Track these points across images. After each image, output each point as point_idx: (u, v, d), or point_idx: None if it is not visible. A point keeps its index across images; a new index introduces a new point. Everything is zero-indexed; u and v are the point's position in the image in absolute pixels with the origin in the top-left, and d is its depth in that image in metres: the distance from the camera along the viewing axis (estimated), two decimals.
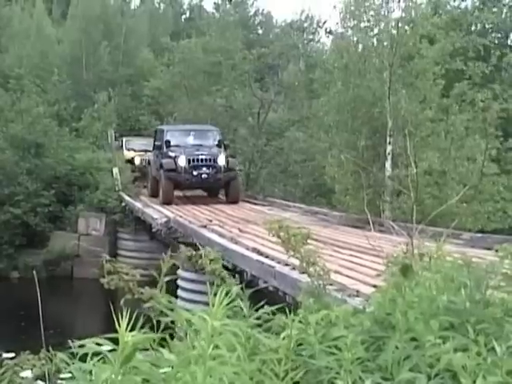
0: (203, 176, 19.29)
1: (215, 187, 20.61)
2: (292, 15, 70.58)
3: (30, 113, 24.88)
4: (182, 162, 19.27)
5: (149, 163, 22.55)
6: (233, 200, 19.92)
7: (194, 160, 19.36)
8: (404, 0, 16.70)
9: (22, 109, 25.07)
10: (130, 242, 22.90)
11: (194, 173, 19.24)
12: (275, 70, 32.46)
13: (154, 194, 21.08)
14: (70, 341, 2.66)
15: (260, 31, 50.97)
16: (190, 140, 21.16)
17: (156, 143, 21.55)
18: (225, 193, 20.45)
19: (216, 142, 21.05)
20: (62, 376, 2.68)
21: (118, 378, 1.96)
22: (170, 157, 19.75)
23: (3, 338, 13.07)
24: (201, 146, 20.56)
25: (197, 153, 19.70)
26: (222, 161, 19.47)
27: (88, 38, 36.58)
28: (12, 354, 3.60)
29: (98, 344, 2.07)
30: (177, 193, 20.82)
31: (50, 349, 3.25)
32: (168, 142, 20.42)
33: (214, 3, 51.44)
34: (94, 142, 28.41)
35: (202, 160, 19.40)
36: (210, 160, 19.48)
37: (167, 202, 19.25)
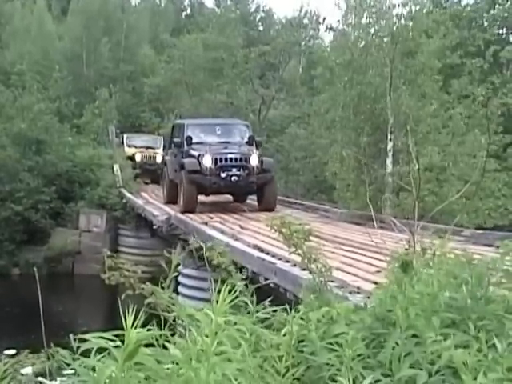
0: (233, 178, 16.19)
1: (247, 192, 17.48)
2: (293, 11, 70.67)
3: (31, 109, 24.89)
4: (207, 161, 16.23)
5: (164, 164, 19.57)
6: (268, 207, 16.48)
7: (221, 159, 16.31)
8: None
9: (23, 105, 25.07)
10: (131, 238, 22.91)
11: (222, 175, 16.15)
12: (276, 66, 32.48)
13: (171, 200, 18.03)
14: (71, 336, 2.66)
15: (261, 28, 50.97)
16: (216, 136, 18.09)
17: (174, 140, 18.26)
18: (257, 198, 17.15)
19: (246, 139, 18.00)
20: (65, 372, 2.68)
21: (121, 374, 1.96)
22: (192, 156, 16.76)
23: (4, 335, 13.10)
24: (228, 143, 17.61)
25: (225, 151, 16.71)
26: (254, 160, 16.38)
27: (89, 35, 36.65)
28: (13, 351, 3.60)
29: (102, 337, 2.07)
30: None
31: (52, 345, 3.25)
32: (189, 138, 17.35)
33: (215, 0, 51.48)
34: (95, 139, 28.43)
35: (231, 159, 16.36)
36: (240, 159, 16.41)
37: (189, 209, 16.08)
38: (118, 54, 38.01)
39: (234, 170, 16.25)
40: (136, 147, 27.89)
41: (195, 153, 16.76)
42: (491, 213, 16.02)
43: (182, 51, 30.39)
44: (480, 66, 17.66)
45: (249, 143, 17.68)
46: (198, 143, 17.31)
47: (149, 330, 2.19)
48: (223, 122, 20.09)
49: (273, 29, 45.35)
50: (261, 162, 16.52)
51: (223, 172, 16.20)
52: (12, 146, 23.94)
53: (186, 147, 17.27)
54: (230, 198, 18.25)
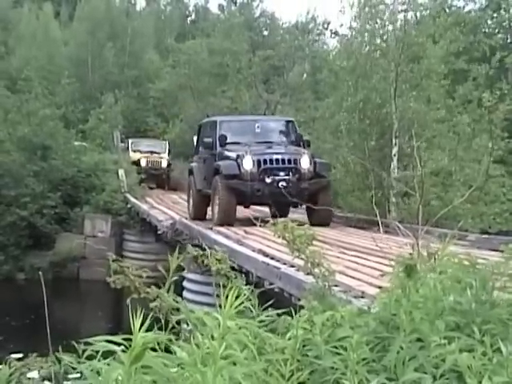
0: (281, 184, 13.29)
1: (295, 201, 13.02)
2: (297, 16, 70.63)
3: (36, 115, 24.95)
4: (247, 164, 13.48)
5: (190, 173, 16.25)
6: (322, 221, 13.25)
7: (265, 161, 13.55)
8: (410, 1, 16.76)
9: (28, 111, 25.14)
10: (136, 243, 22.93)
11: (267, 180, 13.39)
12: (280, 71, 32.53)
13: (198, 216, 15.24)
14: (75, 343, 2.68)
15: (265, 33, 51.03)
16: (255, 135, 15.11)
17: (204, 140, 15.31)
18: (307, 210, 13.99)
19: (292, 138, 15.17)
20: (70, 376, 2.70)
21: (128, 377, 1.97)
22: (229, 158, 14.04)
23: (10, 339, 13.11)
24: (271, 142, 14.86)
25: (269, 151, 14.00)
26: (306, 162, 13.62)
27: (94, 40, 36.77)
28: (20, 355, 3.61)
29: (108, 341, 2.09)
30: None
31: (60, 349, 3.26)
32: (223, 137, 14.57)
33: (219, 5, 51.58)
34: (100, 144, 28.50)
35: (277, 161, 13.61)
36: (289, 161, 13.64)
37: (226, 222, 13.41)
38: (123, 59, 38.12)
39: (282, 173, 13.56)
40: (141, 152, 27.99)
41: (232, 154, 14.03)
42: (496, 217, 16.01)
43: (186, 56, 30.46)
44: (486, 72, 17.67)
45: (295, 143, 14.93)
46: (233, 143, 14.64)
47: (154, 333, 2.20)
48: (263, 119, 17.52)
49: (277, 34, 45.39)
50: (313, 164, 13.82)
51: (268, 177, 13.47)
52: (17, 151, 24.02)
53: (219, 148, 14.58)
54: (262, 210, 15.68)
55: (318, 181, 13.70)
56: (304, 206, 14.02)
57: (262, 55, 29.66)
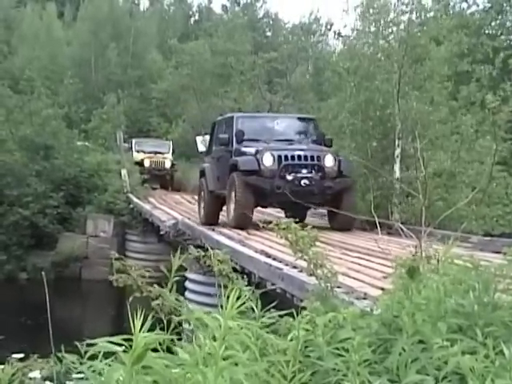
0: (303, 182, 12.49)
1: (319, 201, 12.52)
2: (300, 17, 70.69)
3: (39, 115, 24.98)
4: (267, 160, 12.61)
5: (202, 174, 15.17)
6: (345, 225, 13.01)
7: (286, 157, 12.68)
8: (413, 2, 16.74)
9: (31, 111, 25.17)
10: (138, 243, 22.93)
11: (289, 177, 12.51)
12: (283, 72, 32.55)
13: (210, 221, 14.13)
14: (77, 343, 2.68)
15: (268, 33, 51.07)
16: (274, 133, 14.28)
17: (219, 137, 14.33)
18: (328, 213, 13.46)
19: (314, 137, 14.42)
20: (73, 376, 2.70)
21: (129, 377, 1.97)
22: (246, 154, 13.16)
23: (12, 339, 13.12)
24: (292, 140, 13.99)
25: (290, 147, 13.15)
26: (330, 161, 12.83)
27: (97, 40, 36.88)
28: (21, 355, 3.61)
29: (110, 342, 2.08)
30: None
31: (61, 349, 3.26)
32: (240, 133, 13.69)
33: (223, 5, 51.65)
34: (103, 144, 28.53)
35: (299, 157, 12.74)
36: (311, 158, 12.81)
37: (243, 223, 12.61)
38: (125, 59, 38.18)
39: (304, 171, 12.67)
40: (145, 152, 27.95)
41: (251, 150, 13.15)
42: (499, 219, 15.98)
43: (189, 56, 30.49)
44: (489, 72, 17.67)
45: (317, 142, 14.06)
46: (251, 140, 13.72)
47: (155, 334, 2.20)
48: (283, 116, 17.23)
49: (280, 34, 45.44)
50: (338, 162, 13.00)
51: (289, 174, 12.59)
52: (20, 150, 24.04)
53: (235, 145, 13.69)
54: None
55: (342, 180, 12.96)
56: (317, 209, 13.64)
57: (265, 58, 29.68)
